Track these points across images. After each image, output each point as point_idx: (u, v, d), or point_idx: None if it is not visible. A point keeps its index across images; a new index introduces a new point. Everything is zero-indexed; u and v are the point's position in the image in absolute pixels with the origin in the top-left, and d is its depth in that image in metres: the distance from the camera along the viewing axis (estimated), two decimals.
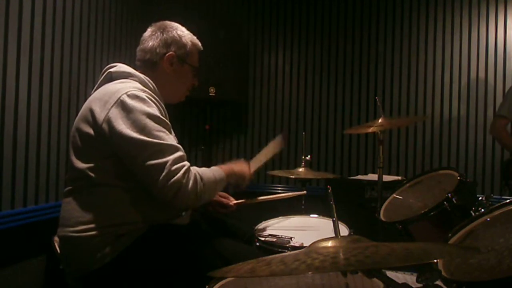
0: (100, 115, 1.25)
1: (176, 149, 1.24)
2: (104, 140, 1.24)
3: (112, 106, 1.24)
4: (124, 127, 1.21)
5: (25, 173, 2.08)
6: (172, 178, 1.18)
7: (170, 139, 1.26)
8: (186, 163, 1.24)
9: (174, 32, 1.48)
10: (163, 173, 1.18)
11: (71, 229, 1.26)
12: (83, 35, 2.49)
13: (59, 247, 1.36)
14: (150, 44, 1.46)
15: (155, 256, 1.25)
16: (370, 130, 2.02)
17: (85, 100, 1.37)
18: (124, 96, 1.25)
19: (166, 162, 1.19)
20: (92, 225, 1.25)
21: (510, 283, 0.79)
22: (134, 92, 1.27)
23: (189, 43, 1.49)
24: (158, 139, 1.21)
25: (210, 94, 3.21)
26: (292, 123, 3.74)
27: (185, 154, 1.27)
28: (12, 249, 2.00)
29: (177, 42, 1.47)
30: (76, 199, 1.29)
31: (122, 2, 2.93)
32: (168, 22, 1.51)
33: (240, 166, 1.52)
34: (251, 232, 1.61)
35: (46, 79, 2.19)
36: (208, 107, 3.69)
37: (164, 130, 1.26)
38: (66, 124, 2.33)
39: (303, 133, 2.66)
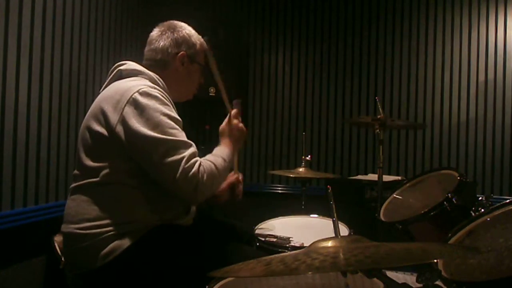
0: (114, 116, 1.25)
1: (190, 146, 1.27)
2: (119, 140, 1.24)
3: (125, 106, 1.24)
4: (138, 126, 1.21)
5: (25, 173, 2.07)
6: (188, 173, 1.21)
7: (183, 136, 1.28)
8: (198, 159, 1.27)
9: (184, 31, 1.49)
10: (180, 170, 1.20)
11: (76, 225, 1.26)
12: (83, 35, 2.49)
13: (62, 243, 1.35)
14: (161, 44, 1.47)
15: (156, 256, 1.25)
16: (370, 120, 2.05)
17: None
18: (136, 94, 1.25)
19: (182, 159, 1.21)
20: (96, 223, 1.25)
21: (510, 283, 0.78)
22: (145, 89, 1.27)
23: (198, 42, 1.51)
24: (172, 136, 1.23)
25: (210, 94, 3.21)
26: (292, 123, 3.73)
27: (197, 150, 1.29)
28: (12, 249, 2.00)
29: (187, 42, 1.49)
30: (83, 196, 1.29)
31: (122, 1, 2.93)
32: (176, 22, 1.53)
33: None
34: (251, 232, 1.61)
35: (46, 79, 2.19)
36: (208, 107, 3.69)
37: (177, 127, 1.27)
38: (66, 124, 2.33)
39: (303, 133, 2.66)
